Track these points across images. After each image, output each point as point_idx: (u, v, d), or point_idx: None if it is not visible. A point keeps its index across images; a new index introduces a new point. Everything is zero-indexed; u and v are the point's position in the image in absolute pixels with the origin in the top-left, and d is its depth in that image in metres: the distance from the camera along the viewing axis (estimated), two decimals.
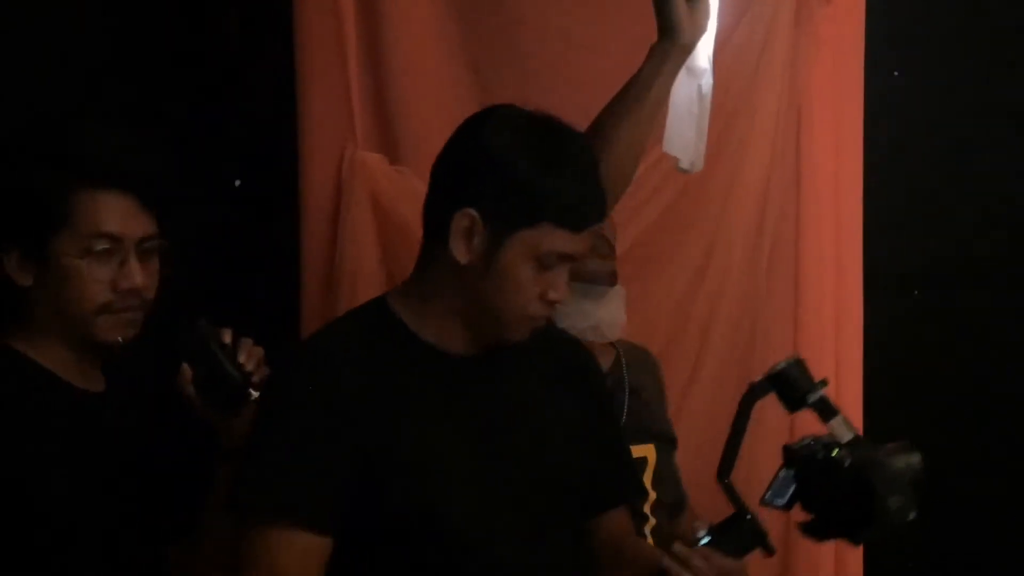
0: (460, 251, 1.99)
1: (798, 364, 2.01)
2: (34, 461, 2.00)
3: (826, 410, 1.98)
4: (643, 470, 2.63)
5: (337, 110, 2.91)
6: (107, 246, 2.08)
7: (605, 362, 2.69)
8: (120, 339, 2.12)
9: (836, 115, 3.19)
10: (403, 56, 2.98)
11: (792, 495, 1.99)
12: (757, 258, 3.16)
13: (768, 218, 3.17)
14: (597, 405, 2.20)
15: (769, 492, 2.01)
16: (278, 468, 1.93)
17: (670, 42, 2.24)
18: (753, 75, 3.11)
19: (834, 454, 1.95)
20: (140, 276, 2.10)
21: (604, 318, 2.64)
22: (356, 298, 2.70)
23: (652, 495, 2.63)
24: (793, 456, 2.00)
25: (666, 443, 2.75)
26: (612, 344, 2.75)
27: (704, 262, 3.14)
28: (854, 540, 1.99)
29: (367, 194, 2.90)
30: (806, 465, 1.98)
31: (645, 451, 2.65)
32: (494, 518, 2.01)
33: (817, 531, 2.00)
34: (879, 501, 1.90)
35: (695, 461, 2.80)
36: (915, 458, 1.95)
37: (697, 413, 3.06)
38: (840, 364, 3.16)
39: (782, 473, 2.01)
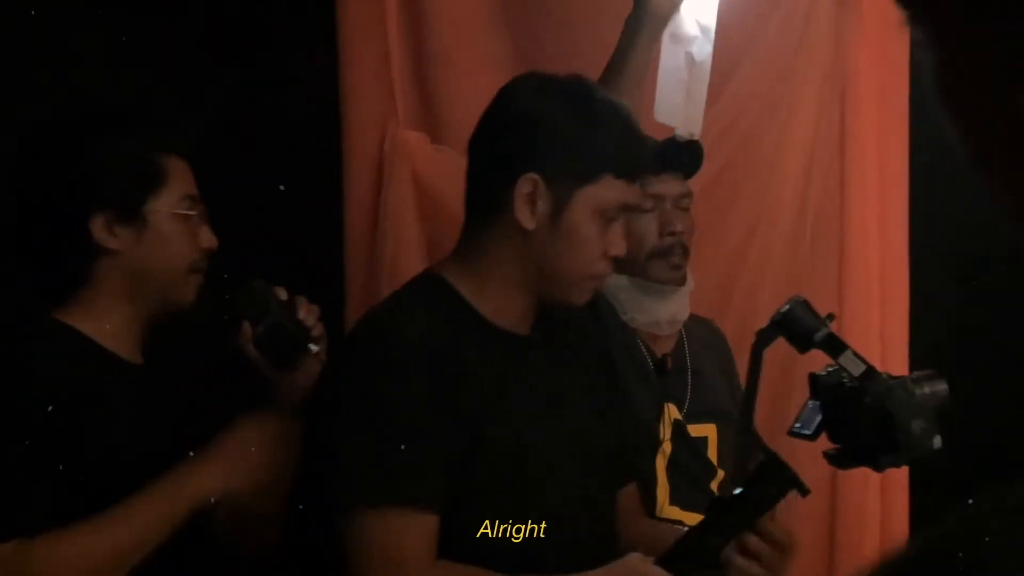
0: (526, 218, 2.01)
1: (802, 304, 1.99)
2: (86, 430, 2.04)
3: (835, 346, 1.96)
4: (704, 448, 2.64)
5: (379, 88, 2.93)
6: (191, 208, 2.16)
7: (668, 344, 2.70)
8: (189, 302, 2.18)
9: (881, 88, 3.15)
10: (445, 34, 2.99)
11: (818, 425, 1.99)
12: (800, 233, 3.14)
13: (812, 193, 3.14)
14: (614, 386, 2.26)
15: (797, 423, 2.01)
16: (392, 453, 1.94)
17: (640, 11, 2.27)
18: (796, 50, 3.09)
19: (855, 382, 1.94)
20: (214, 238, 2.19)
21: (665, 316, 2.65)
22: (397, 274, 2.72)
23: (720, 473, 2.62)
24: (819, 386, 2.00)
25: (728, 421, 2.68)
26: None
27: (748, 238, 3.13)
28: (877, 468, 1.97)
29: (408, 172, 2.92)
30: (831, 395, 1.98)
31: (706, 430, 2.65)
32: (566, 490, 2.06)
33: (841, 460, 2.00)
34: (901, 426, 1.89)
35: None
36: (941, 386, 1.94)
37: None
38: (885, 340, 3.14)
39: (809, 403, 2.01)
